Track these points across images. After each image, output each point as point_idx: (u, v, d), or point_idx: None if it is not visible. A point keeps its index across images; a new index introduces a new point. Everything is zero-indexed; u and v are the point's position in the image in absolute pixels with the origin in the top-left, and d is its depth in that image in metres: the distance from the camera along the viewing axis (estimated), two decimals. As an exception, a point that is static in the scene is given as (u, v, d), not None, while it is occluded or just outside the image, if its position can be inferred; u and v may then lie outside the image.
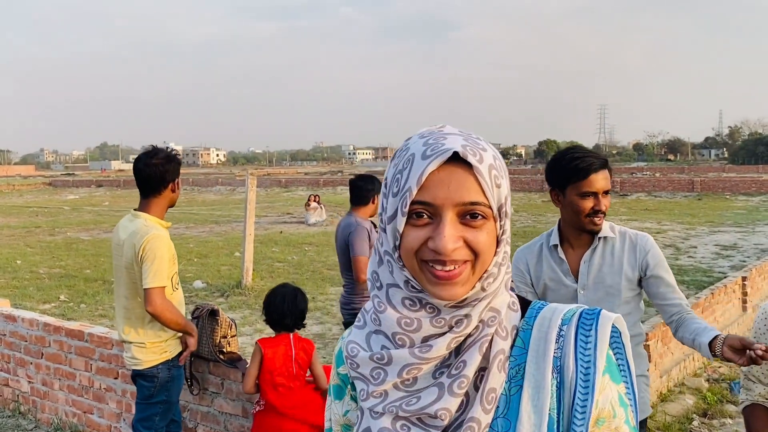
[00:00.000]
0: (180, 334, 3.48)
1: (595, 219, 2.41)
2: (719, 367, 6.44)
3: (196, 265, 12.81)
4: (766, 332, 2.25)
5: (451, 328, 0.92)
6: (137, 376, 3.46)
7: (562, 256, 2.53)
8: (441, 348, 0.91)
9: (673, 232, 17.68)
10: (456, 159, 0.89)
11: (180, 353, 3.49)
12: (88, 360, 4.61)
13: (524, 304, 1.03)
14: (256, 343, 3.49)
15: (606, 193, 2.41)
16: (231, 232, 19.14)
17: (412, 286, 0.93)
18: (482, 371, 0.94)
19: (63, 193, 44.62)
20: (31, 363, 5.05)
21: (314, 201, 21.75)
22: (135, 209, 3.44)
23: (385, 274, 0.97)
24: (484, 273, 0.92)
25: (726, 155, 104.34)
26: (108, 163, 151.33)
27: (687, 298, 7.43)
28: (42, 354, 4.95)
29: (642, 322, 2.71)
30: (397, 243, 0.93)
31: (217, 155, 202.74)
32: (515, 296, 1.02)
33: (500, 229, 0.93)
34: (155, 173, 3.33)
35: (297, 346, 3.46)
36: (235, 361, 3.80)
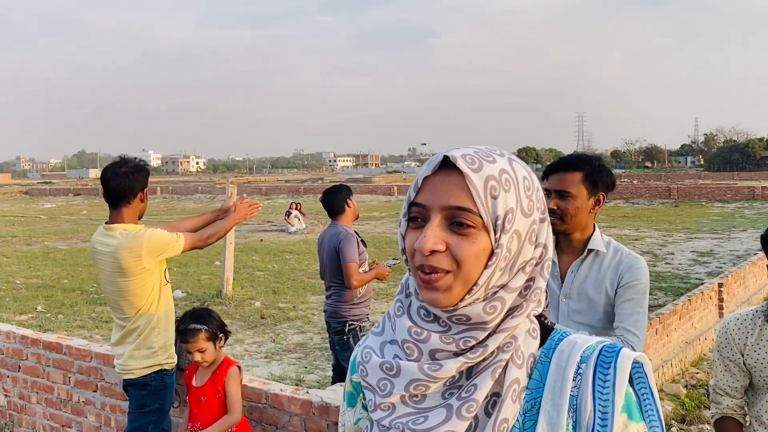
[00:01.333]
0: (171, 342, 3.49)
1: (551, 218, 2.46)
2: (697, 372, 6.53)
3: (176, 274, 12.71)
4: (726, 346, 2.29)
5: (462, 351, 0.92)
6: (129, 386, 3.44)
7: (555, 258, 2.55)
8: (451, 369, 0.92)
9: (650, 238, 17.88)
10: (454, 166, 0.91)
11: (172, 370, 3.50)
12: (66, 373, 4.56)
13: (544, 329, 1.01)
14: (236, 366, 3.53)
15: (561, 194, 2.43)
16: (211, 240, 18.98)
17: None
18: (494, 396, 0.93)
19: (40, 202, 44.05)
20: (8, 376, 4.98)
21: (295, 209, 21.70)
22: (107, 222, 3.39)
23: (412, 282, 1.00)
24: (473, 287, 0.91)
25: (702, 162, 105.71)
26: (86, 171, 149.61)
27: (664, 305, 7.54)
28: (19, 367, 4.88)
29: None
30: (403, 247, 0.96)
31: (197, 163, 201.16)
32: (536, 321, 1.00)
33: (495, 242, 0.91)
34: (124, 183, 3.32)
35: None
36: (215, 372, 3.77)
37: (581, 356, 0.94)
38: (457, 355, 0.93)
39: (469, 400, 0.91)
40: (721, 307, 7.99)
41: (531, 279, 0.96)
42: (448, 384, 0.94)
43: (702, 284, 8.56)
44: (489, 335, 0.93)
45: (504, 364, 0.93)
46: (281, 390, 3.58)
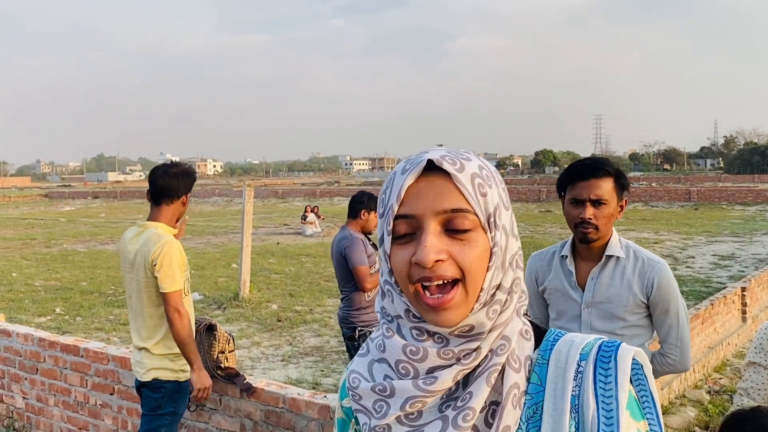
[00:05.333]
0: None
1: (582, 229, 2.34)
2: (720, 378, 6.41)
3: (193, 277, 12.72)
4: (761, 352, 2.25)
5: (458, 360, 0.88)
6: (142, 387, 3.40)
7: (571, 267, 2.47)
8: (447, 380, 0.87)
9: (670, 242, 17.68)
10: (435, 169, 0.87)
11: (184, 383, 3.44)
12: (84, 375, 4.56)
13: (537, 331, 0.97)
14: None
15: (597, 202, 2.31)
16: (228, 243, 19.08)
17: (413, 315, 0.90)
18: (494, 405, 0.88)
19: (59, 205, 44.50)
20: (26, 378, 4.99)
21: (311, 212, 21.71)
22: (145, 220, 3.46)
23: (390, 306, 0.94)
24: (480, 293, 0.87)
25: (722, 165, 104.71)
26: (104, 174, 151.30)
27: (687, 308, 7.44)
28: (37, 369, 4.89)
29: None
30: (389, 267, 0.90)
31: (214, 166, 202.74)
32: (528, 323, 0.96)
33: (491, 240, 0.88)
34: (172, 183, 3.43)
35: None
36: (233, 376, 3.74)
37: (580, 354, 0.90)
38: (452, 365, 0.89)
39: (465, 408, 0.87)
40: (744, 312, 7.84)
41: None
42: (444, 397, 0.90)
43: (724, 288, 8.42)
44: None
45: (499, 368, 0.89)
46: (299, 394, 3.55)
